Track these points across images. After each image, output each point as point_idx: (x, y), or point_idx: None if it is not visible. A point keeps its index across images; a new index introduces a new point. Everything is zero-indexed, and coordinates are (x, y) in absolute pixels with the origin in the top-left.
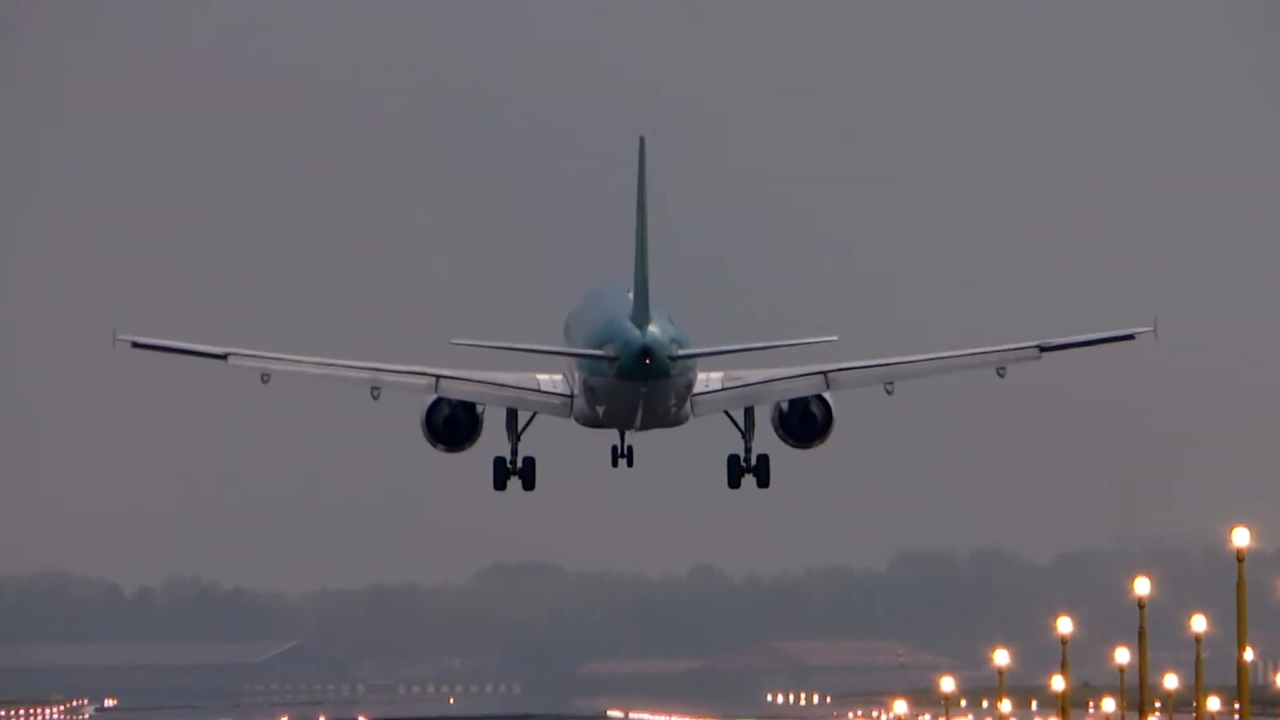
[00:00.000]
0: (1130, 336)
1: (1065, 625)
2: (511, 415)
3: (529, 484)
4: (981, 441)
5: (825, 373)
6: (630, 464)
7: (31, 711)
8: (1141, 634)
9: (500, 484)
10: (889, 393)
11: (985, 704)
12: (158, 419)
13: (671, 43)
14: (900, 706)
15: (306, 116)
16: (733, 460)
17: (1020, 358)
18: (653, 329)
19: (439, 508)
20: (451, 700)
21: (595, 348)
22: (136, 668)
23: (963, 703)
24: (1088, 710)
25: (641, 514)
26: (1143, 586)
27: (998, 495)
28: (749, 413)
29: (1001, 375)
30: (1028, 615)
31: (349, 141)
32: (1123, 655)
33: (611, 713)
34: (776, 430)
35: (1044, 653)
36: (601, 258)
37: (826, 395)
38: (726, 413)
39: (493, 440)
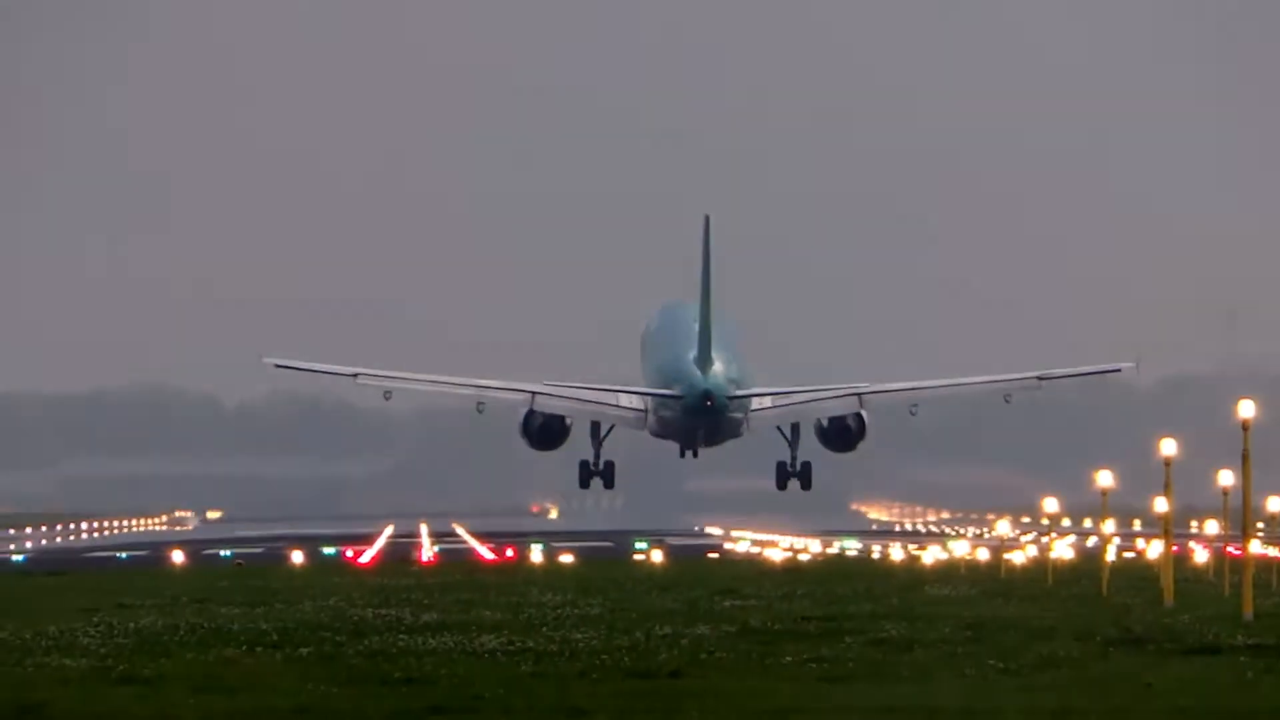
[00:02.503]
0: (1117, 370)
1: (1169, 447)
2: (594, 426)
3: (609, 483)
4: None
5: (859, 394)
6: (695, 456)
7: (135, 523)
8: (1245, 457)
9: (584, 483)
10: (913, 414)
11: (1088, 524)
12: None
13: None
14: (1003, 526)
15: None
16: (780, 466)
17: (1023, 386)
18: (715, 372)
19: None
20: (553, 514)
21: (665, 385)
22: (239, 480)
23: (1065, 523)
24: (1191, 531)
25: None
26: (1247, 409)
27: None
28: (795, 427)
29: (1008, 401)
30: (1131, 438)
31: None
32: (1226, 478)
33: (710, 529)
34: (819, 441)
35: (1147, 475)
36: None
37: (862, 413)
38: (778, 427)
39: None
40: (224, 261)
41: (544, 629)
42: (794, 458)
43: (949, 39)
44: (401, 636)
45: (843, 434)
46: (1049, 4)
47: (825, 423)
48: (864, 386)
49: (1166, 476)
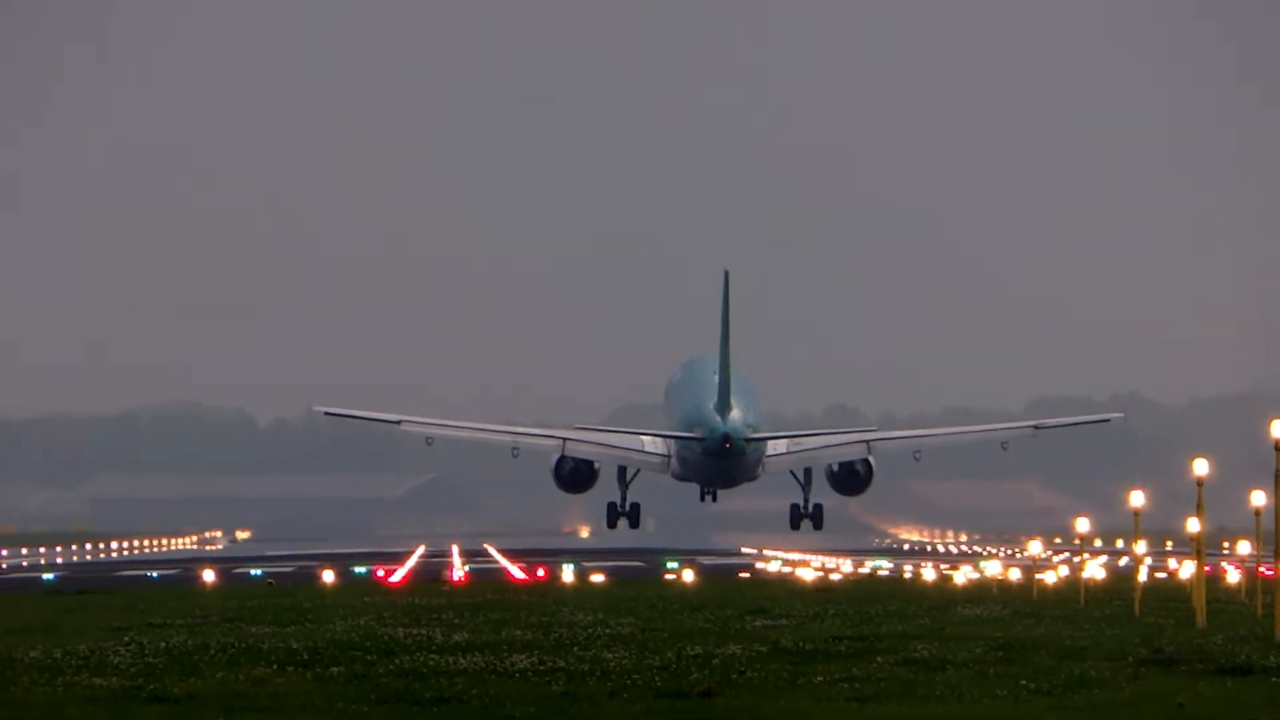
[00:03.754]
0: (1107, 420)
1: (1201, 468)
2: (621, 470)
3: (634, 524)
4: (1117, 287)
5: (867, 441)
6: (715, 500)
7: (165, 542)
8: (1277, 477)
9: (612, 523)
10: (916, 459)
11: (1120, 544)
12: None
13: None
14: (1035, 546)
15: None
16: (794, 508)
17: (1019, 435)
18: (733, 417)
19: (569, 352)
20: (585, 533)
21: (687, 429)
22: (270, 500)
23: (1097, 543)
24: (1223, 552)
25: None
26: (1279, 430)
27: (1134, 340)
28: (807, 471)
29: (1005, 449)
30: (1163, 459)
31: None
32: (1258, 498)
33: (744, 549)
34: (830, 485)
35: (1179, 496)
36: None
37: (869, 459)
38: (791, 471)
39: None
40: (262, 283)
41: (575, 648)
42: (807, 500)
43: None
44: (432, 656)
45: (852, 478)
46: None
47: (835, 468)
48: (872, 434)
49: (1199, 497)
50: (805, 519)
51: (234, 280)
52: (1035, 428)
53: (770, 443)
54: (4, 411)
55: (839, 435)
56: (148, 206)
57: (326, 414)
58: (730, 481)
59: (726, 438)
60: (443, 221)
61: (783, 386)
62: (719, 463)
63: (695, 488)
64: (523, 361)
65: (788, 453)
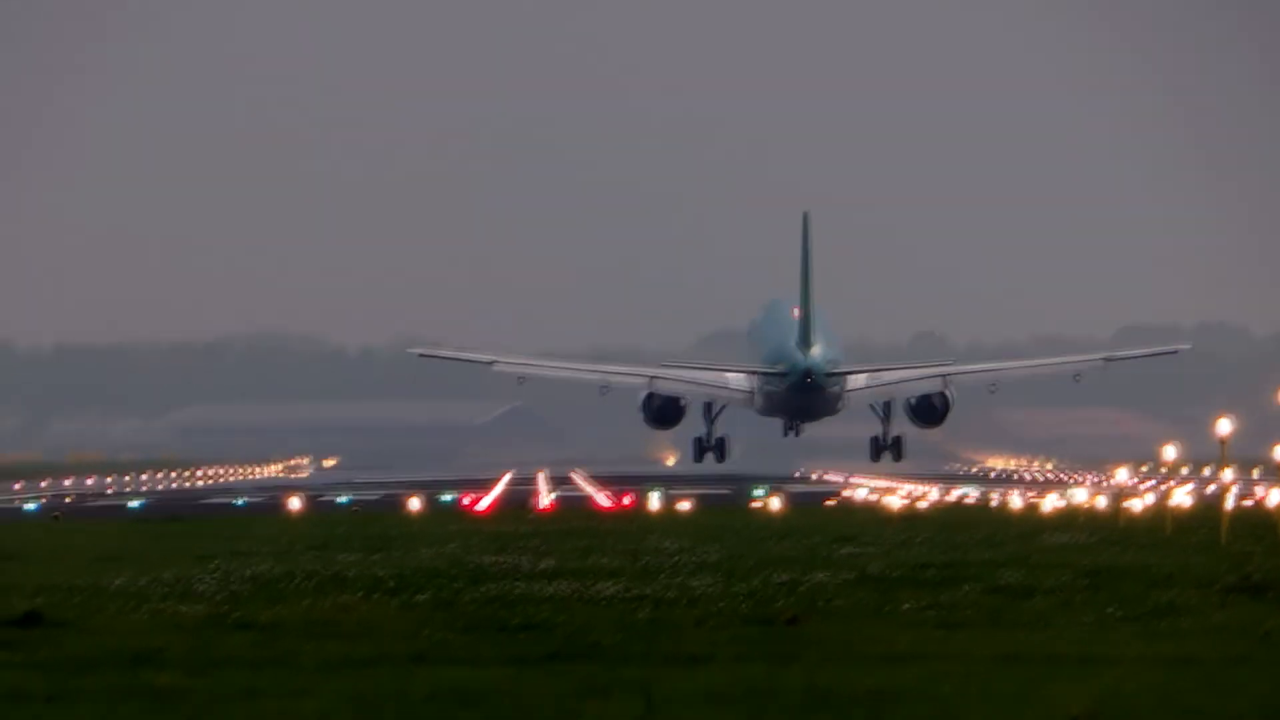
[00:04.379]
0: (1175, 351)
1: None
2: (707, 406)
3: (720, 458)
4: (1205, 214)
5: (944, 375)
6: (798, 435)
7: (251, 470)
8: None
9: (698, 458)
10: (992, 392)
11: (1207, 472)
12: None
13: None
14: (1122, 474)
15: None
16: (874, 440)
17: (1090, 367)
18: (814, 353)
19: (654, 272)
20: (670, 461)
21: (771, 365)
22: (357, 427)
23: (1184, 470)
24: None
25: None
26: None
27: (1220, 269)
28: (887, 404)
29: (1078, 380)
30: (1251, 387)
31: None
32: None
33: (829, 476)
34: (908, 417)
35: (1267, 423)
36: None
37: (946, 392)
38: (871, 405)
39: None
40: (346, 211)
41: (661, 576)
42: (886, 432)
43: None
44: (518, 583)
45: (930, 410)
46: None
47: (914, 400)
48: (949, 367)
49: None
50: (885, 450)
51: (320, 209)
52: (1106, 360)
53: (850, 377)
54: (91, 339)
55: (917, 369)
56: (235, 134)
57: (420, 355)
58: (812, 415)
59: (809, 372)
60: (528, 154)
61: (871, 315)
62: (802, 397)
63: (778, 422)
64: (610, 295)
65: (867, 386)
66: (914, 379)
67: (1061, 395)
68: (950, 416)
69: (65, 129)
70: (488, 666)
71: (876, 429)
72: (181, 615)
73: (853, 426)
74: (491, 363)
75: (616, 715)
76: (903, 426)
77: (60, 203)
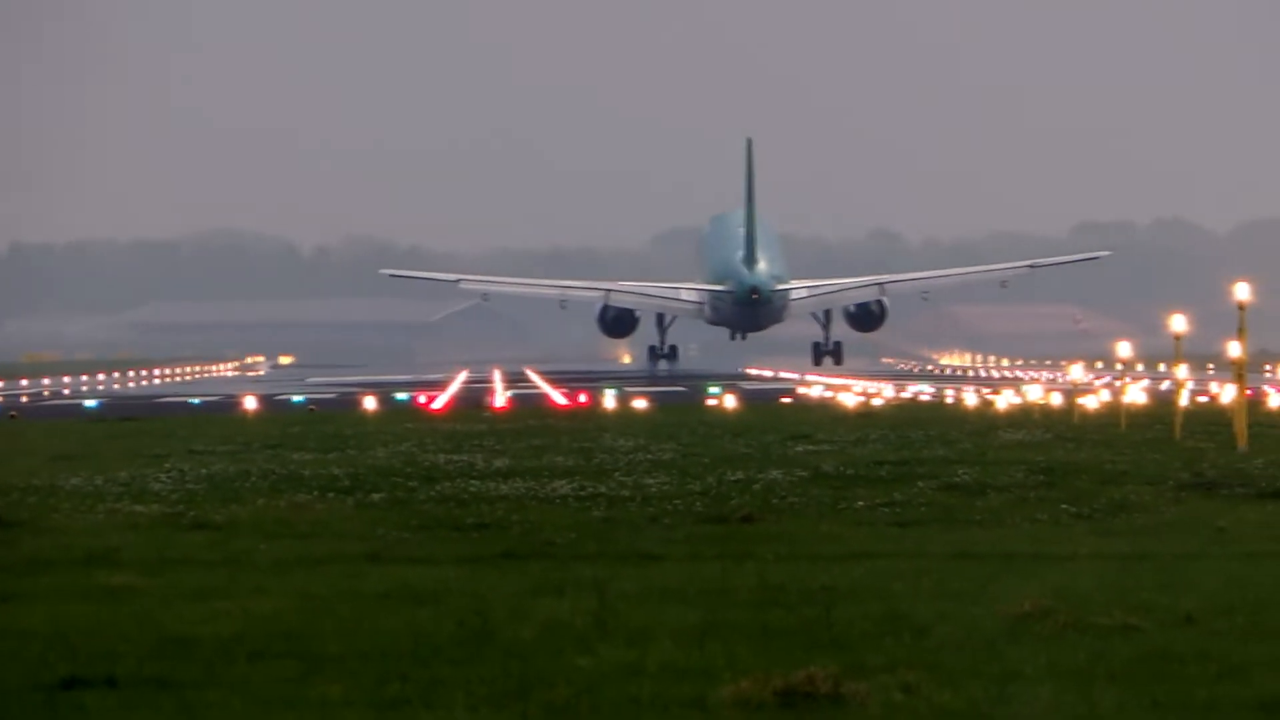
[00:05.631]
0: (1095, 258)
1: (1242, 291)
2: (659, 317)
3: (673, 364)
4: (1162, 110)
5: (880, 284)
6: (744, 339)
7: (207, 368)
8: None
9: (653, 364)
10: (924, 300)
11: (1161, 368)
12: (328, 82)
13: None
14: (1076, 370)
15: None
16: (816, 345)
17: (1016, 274)
18: (760, 270)
19: (615, 172)
20: (626, 359)
21: (719, 282)
22: (312, 325)
23: (1138, 367)
24: (1264, 375)
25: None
26: None
27: (1178, 165)
28: (827, 313)
29: (1004, 286)
30: (1206, 283)
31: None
32: None
33: (784, 374)
34: (847, 323)
35: (1221, 320)
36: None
37: (883, 299)
38: (812, 313)
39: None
40: (306, 111)
41: (616, 474)
42: (827, 338)
43: None
44: (473, 482)
45: (867, 318)
46: None
47: (852, 309)
48: (884, 278)
49: (1240, 320)
50: (827, 355)
51: (275, 108)
52: (1031, 267)
53: (793, 290)
54: (47, 237)
55: (854, 280)
56: (193, 35)
57: (391, 275)
58: (758, 326)
59: (754, 289)
60: (482, 52)
61: (828, 213)
62: (748, 310)
63: (726, 330)
64: (566, 194)
65: (809, 296)
66: (851, 288)
67: (1017, 292)
68: (887, 322)
69: (19, 24)
70: (442, 565)
71: (819, 335)
72: (137, 515)
73: (797, 329)
74: (457, 281)
75: (570, 613)
76: (843, 332)
77: (14, 101)
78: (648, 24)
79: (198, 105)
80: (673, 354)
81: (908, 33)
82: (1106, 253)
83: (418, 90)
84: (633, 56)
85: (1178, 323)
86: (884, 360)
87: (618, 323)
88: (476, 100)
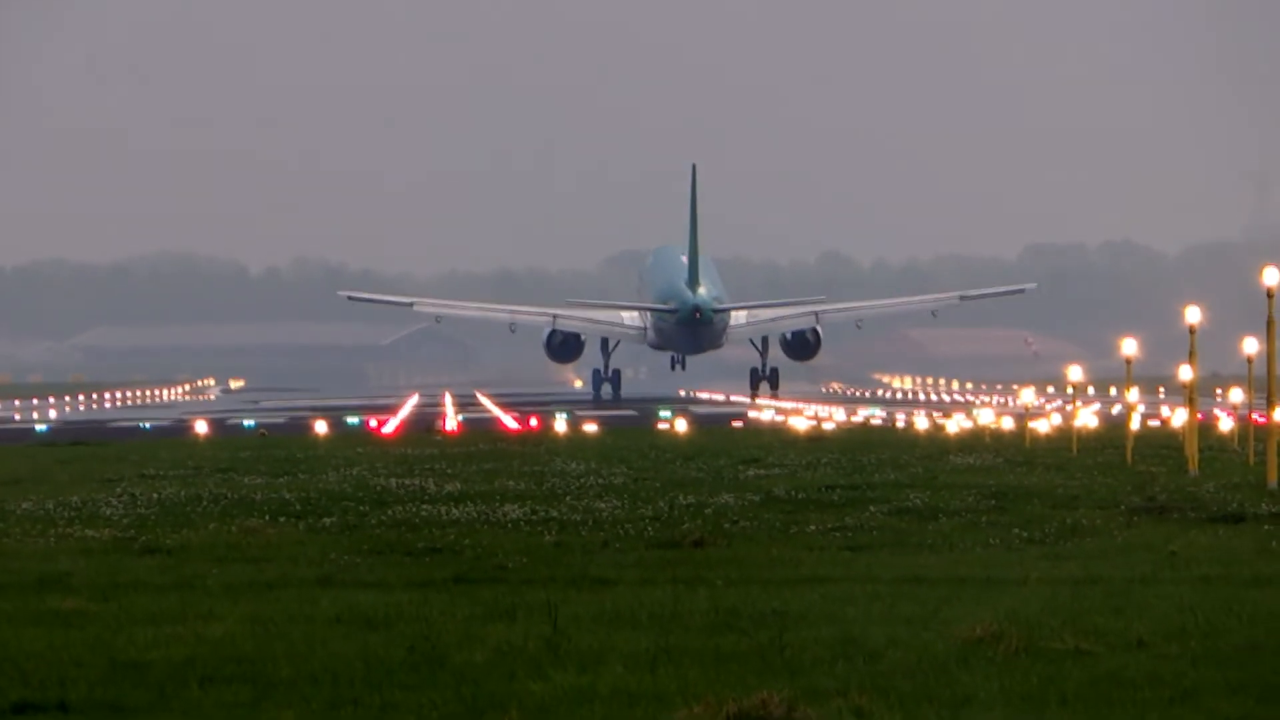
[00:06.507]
0: (1022, 290)
1: (1193, 315)
2: (604, 341)
3: (616, 388)
4: (1113, 132)
5: (816, 313)
6: (684, 369)
7: (157, 392)
8: (1270, 324)
9: (597, 386)
10: (859, 328)
11: (1113, 392)
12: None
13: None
14: (1027, 395)
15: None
16: (753, 371)
17: (946, 305)
18: (702, 291)
19: (565, 195)
20: (578, 384)
21: (662, 303)
22: (263, 349)
23: (1089, 390)
24: (1215, 399)
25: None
26: (1271, 277)
27: (1127, 187)
28: (764, 339)
29: (934, 315)
30: (1156, 306)
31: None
32: (1250, 345)
33: (735, 396)
34: (783, 351)
35: (1172, 343)
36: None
37: (818, 328)
38: (750, 340)
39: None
40: (256, 133)
41: (568, 498)
42: (764, 365)
43: None
44: (425, 506)
45: (803, 345)
46: None
47: (789, 336)
48: (819, 305)
49: (1191, 344)
50: (763, 380)
51: (227, 130)
52: (961, 298)
53: (732, 314)
54: None
55: (790, 307)
56: (139, 52)
57: (350, 298)
58: (699, 348)
59: (697, 308)
60: (437, 71)
61: (778, 236)
62: (690, 330)
63: (667, 356)
64: (517, 217)
65: (747, 323)
66: (788, 316)
67: (969, 316)
68: (823, 350)
69: None
70: (393, 590)
71: (756, 361)
72: (88, 540)
73: (737, 354)
74: (411, 304)
75: (523, 637)
76: (780, 359)
77: None
78: (596, 46)
79: (145, 127)
80: (616, 378)
81: (858, 54)
82: (1033, 285)
83: (366, 112)
84: (581, 75)
85: (1129, 346)
86: (832, 386)
87: (564, 348)
88: (426, 122)
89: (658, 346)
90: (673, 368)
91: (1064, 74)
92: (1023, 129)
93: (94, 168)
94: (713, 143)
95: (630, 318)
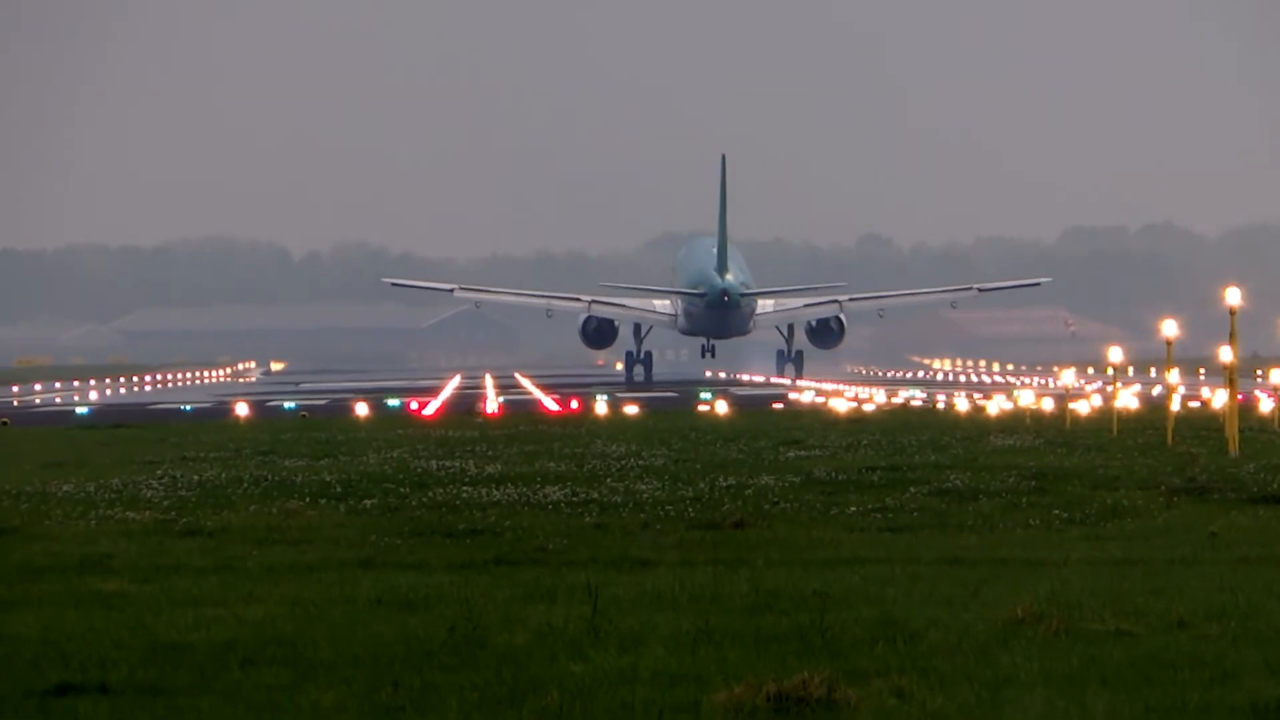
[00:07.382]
0: (1037, 284)
1: (1234, 296)
2: (636, 327)
3: (648, 370)
4: (1153, 115)
5: (840, 302)
6: (714, 356)
7: (199, 374)
8: None
9: (629, 370)
10: (880, 317)
11: (1153, 373)
12: (324, 90)
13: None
14: (1068, 376)
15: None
16: (779, 354)
17: (964, 297)
18: (729, 277)
19: (605, 178)
20: (618, 365)
21: (693, 288)
22: (304, 331)
23: (1130, 372)
24: (1256, 380)
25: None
26: None
27: (1168, 170)
28: (790, 327)
29: (954, 307)
30: (1196, 288)
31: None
32: None
33: (776, 379)
34: (808, 340)
35: (1212, 324)
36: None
37: (841, 316)
38: (776, 327)
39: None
40: (299, 117)
41: (608, 480)
42: (790, 349)
43: None
44: (465, 488)
45: (827, 334)
46: None
47: (813, 324)
48: (843, 295)
49: (1231, 325)
50: (789, 363)
51: (268, 114)
52: (979, 290)
53: (759, 301)
54: (39, 243)
55: (815, 295)
56: (185, 42)
57: (392, 284)
58: (728, 333)
59: (725, 292)
60: (476, 62)
61: (818, 219)
62: (719, 314)
63: (697, 343)
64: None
65: (774, 311)
66: (813, 304)
67: (1011, 297)
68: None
69: (10, 26)
70: (434, 571)
71: (783, 346)
72: (129, 522)
73: (765, 338)
74: (451, 290)
75: (563, 619)
76: (805, 346)
77: (4, 107)
78: (636, 28)
79: (190, 111)
80: (648, 360)
81: (897, 38)
82: (1048, 279)
83: (408, 96)
84: (623, 61)
85: (1169, 328)
86: (857, 368)
87: (599, 334)
88: (467, 106)
89: (688, 332)
90: (703, 355)
91: (1107, 57)
92: (1064, 112)
93: (136, 152)
94: (753, 127)
95: (662, 305)
